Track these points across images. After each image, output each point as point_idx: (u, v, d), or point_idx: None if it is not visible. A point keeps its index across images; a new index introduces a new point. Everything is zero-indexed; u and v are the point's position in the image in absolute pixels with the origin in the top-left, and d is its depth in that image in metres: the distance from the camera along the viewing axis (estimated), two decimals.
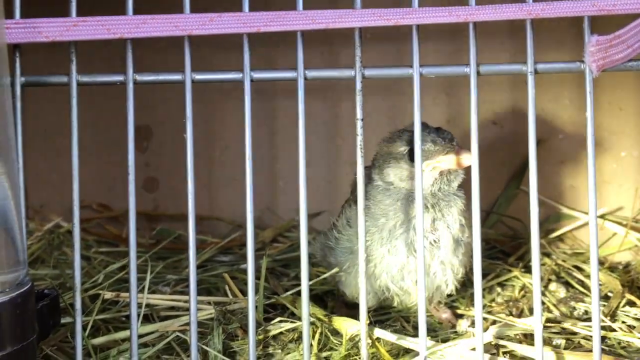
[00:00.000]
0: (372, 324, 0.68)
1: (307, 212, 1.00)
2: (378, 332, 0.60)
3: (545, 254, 0.90)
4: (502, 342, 0.61)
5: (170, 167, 1.00)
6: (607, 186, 0.95)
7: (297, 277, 0.84)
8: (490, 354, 0.60)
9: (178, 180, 1.00)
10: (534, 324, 0.55)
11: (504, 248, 0.93)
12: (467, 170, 0.68)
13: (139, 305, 0.71)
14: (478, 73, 0.56)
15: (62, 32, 0.56)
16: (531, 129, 0.57)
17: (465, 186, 0.70)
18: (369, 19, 0.56)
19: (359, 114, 0.57)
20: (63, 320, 0.65)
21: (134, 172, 0.58)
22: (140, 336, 0.64)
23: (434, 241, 0.65)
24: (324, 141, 0.98)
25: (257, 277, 0.82)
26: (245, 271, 0.82)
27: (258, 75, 0.58)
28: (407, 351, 0.62)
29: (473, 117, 0.57)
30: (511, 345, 0.61)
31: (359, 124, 0.58)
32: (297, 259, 0.90)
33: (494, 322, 0.71)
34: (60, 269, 0.78)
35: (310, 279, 0.80)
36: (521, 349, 0.60)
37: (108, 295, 0.68)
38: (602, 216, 0.93)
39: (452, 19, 0.55)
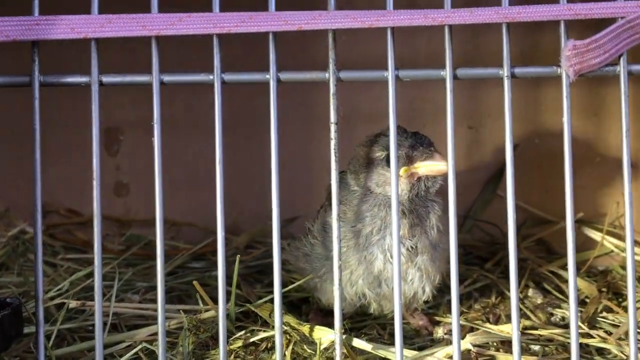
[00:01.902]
0: (348, 332, 0.66)
1: (283, 217, 1.00)
2: (355, 341, 0.59)
3: (522, 259, 0.90)
4: (480, 350, 0.60)
5: (142, 170, 0.97)
6: (583, 191, 0.94)
7: (272, 284, 0.82)
8: None
9: (150, 185, 0.98)
10: (512, 331, 0.54)
11: (480, 253, 0.92)
12: (445, 176, 0.67)
13: (106, 314, 0.69)
14: (455, 77, 0.55)
15: (23, 31, 0.54)
16: (508, 134, 0.56)
17: (441, 192, 0.69)
18: (343, 20, 0.54)
19: (332, 117, 0.56)
20: (26, 330, 0.62)
21: (99, 176, 0.56)
22: (106, 346, 0.62)
23: (412, 247, 0.64)
24: (300, 144, 0.96)
25: (230, 284, 0.80)
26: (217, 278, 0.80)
27: (229, 77, 0.56)
28: None
29: (449, 121, 0.55)
30: (489, 353, 0.60)
31: (333, 127, 0.56)
32: (272, 265, 0.89)
33: (471, 329, 0.70)
34: (24, 276, 0.76)
35: (284, 286, 0.79)
36: (499, 357, 0.59)
37: (73, 304, 0.66)
38: (578, 221, 0.92)
39: (427, 22, 0.54)
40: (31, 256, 0.84)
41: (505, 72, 0.55)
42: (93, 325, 0.68)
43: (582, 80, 0.93)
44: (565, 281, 0.84)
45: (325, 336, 0.59)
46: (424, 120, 0.94)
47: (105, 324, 0.67)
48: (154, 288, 0.79)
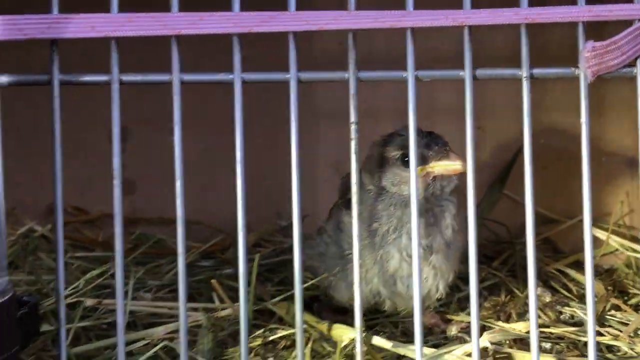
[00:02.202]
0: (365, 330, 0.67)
1: (289, 217, 1.00)
2: (375, 339, 0.59)
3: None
4: (497, 348, 0.61)
5: (148, 169, 0.97)
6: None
7: (282, 282, 0.83)
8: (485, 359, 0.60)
9: (156, 183, 0.98)
10: (531, 329, 0.55)
11: (486, 252, 0.92)
12: (460, 176, 0.67)
13: (130, 312, 0.69)
14: (474, 77, 0.56)
15: (43, 29, 0.54)
16: (526, 135, 0.56)
17: (454, 191, 0.69)
18: (364, 21, 0.55)
19: (353, 117, 0.56)
20: (42, 329, 0.62)
21: (120, 175, 0.57)
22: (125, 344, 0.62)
23: (427, 246, 0.65)
24: (305, 143, 0.96)
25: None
26: (230, 276, 0.81)
27: (249, 76, 0.56)
28: (400, 357, 0.61)
29: (469, 122, 0.56)
30: (507, 351, 0.61)
31: (353, 127, 0.56)
32: (281, 264, 0.89)
33: (483, 327, 0.70)
34: (37, 274, 0.75)
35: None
36: (516, 355, 0.60)
37: (89, 302, 0.66)
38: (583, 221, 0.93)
39: (448, 23, 0.55)
40: (41, 254, 0.83)
41: (524, 72, 0.56)
42: (108, 323, 0.69)
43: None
44: (573, 279, 0.85)
45: (345, 334, 0.59)
46: (432, 119, 0.94)
47: (127, 323, 0.68)
48: (165, 286, 0.80)
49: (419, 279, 0.55)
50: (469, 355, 0.58)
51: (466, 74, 0.56)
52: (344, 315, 0.73)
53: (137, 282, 0.78)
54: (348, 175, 0.74)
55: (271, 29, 0.55)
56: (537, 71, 0.56)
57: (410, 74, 0.56)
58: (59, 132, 0.56)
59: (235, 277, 0.83)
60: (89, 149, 0.97)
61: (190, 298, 0.78)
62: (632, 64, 0.56)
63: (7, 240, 0.88)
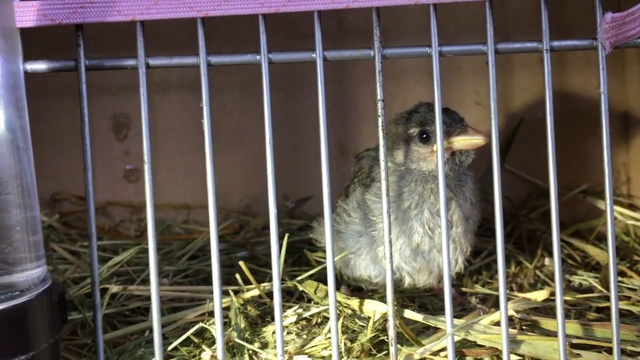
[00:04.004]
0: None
1: (296, 198, 1.00)
2: (406, 312, 0.60)
3: (532, 230, 0.93)
4: (523, 316, 0.62)
5: (153, 156, 0.96)
6: (586, 162, 0.98)
7: (295, 264, 0.83)
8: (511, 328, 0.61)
9: (159, 169, 0.98)
10: (556, 296, 0.56)
11: (491, 226, 0.94)
12: (476, 150, 0.69)
13: (146, 298, 0.69)
14: (496, 52, 0.57)
15: (68, 14, 0.53)
16: (548, 108, 0.58)
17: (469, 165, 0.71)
18: None
19: (379, 94, 0.57)
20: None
21: (149, 161, 0.56)
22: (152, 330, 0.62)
23: (447, 220, 0.66)
24: (311, 125, 0.97)
25: (259, 264, 0.81)
26: (245, 259, 0.81)
27: (276, 57, 0.56)
28: (424, 329, 0.62)
29: (492, 94, 0.57)
30: (533, 318, 0.62)
31: (380, 105, 0.57)
32: (290, 246, 0.90)
33: (497, 298, 0.72)
34: (52, 264, 0.75)
35: (308, 266, 0.80)
36: (542, 322, 0.61)
37: (115, 289, 0.66)
38: (584, 191, 0.96)
39: None
40: (51, 245, 0.82)
41: (544, 45, 0.57)
42: (130, 310, 0.69)
43: (581, 54, 0.97)
44: (576, 249, 0.87)
45: (377, 308, 0.60)
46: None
47: (147, 308, 0.68)
48: (181, 271, 0.80)
49: (447, 251, 0.56)
50: (497, 324, 0.60)
51: (489, 48, 0.57)
52: (359, 292, 0.74)
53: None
54: (361, 154, 0.75)
55: (297, 8, 0.55)
56: (556, 44, 0.57)
57: (434, 50, 0.57)
58: (87, 118, 0.55)
59: (249, 259, 0.84)
60: (91, 138, 0.96)
61: (204, 282, 0.79)
62: None
63: None
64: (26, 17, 0.52)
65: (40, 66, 0.55)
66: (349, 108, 0.96)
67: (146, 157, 0.56)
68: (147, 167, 0.56)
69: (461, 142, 0.65)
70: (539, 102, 0.98)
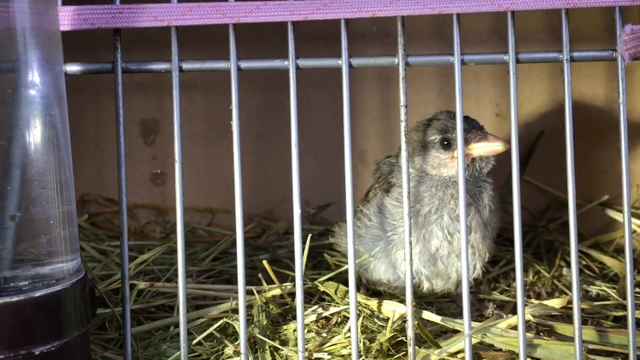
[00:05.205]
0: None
1: (316, 204, 1.02)
2: (425, 314, 0.62)
3: (550, 241, 0.93)
4: (540, 321, 0.63)
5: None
6: (605, 175, 0.98)
7: (315, 267, 0.85)
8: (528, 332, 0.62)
9: (184, 173, 1.00)
10: (574, 303, 0.57)
11: (510, 236, 0.95)
12: (496, 157, 0.70)
13: (172, 295, 0.71)
14: (517, 61, 0.58)
15: (107, 19, 0.56)
16: (568, 117, 0.59)
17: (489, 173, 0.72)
18: (413, 7, 0.57)
19: (402, 100, 0.59)
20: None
21: (180, 160, 0.58)
22: (178, 325, 0.64)
23: (466, 226, 0.67)
24: (330, 133, 0.99)
25: (280, 267, 0.83)
26: (269, 261, 0.83)
27: (303, 62, 0.59)
28: (441, 333, 0.63)
29: (513, 103, 0.58)
30: (549, 323, 0.63)
31: (403, 110, 0.59)
32: (311, 250, 0.91)
33: (515, 306, 0.73)
34: (82, 261, 0.77)
35: (328, 269, 0.81)
36: (558, 327, 0.62)
37: (142, 285, 0.68)
38: (602, 204, 0.97)
39: (492, 8, 0.57)
40: (80, 243, 0.85)
41: (565, 55, 0.58)
42: (155, 306, 0.71)
43: (598, 66, 0.98)
44: (595, 260, 0.88)
45: (397, 309, 0.62)
46: (452, 107, 0.97)
47: (171, 306, 0.70)
48: (204, 272, 0.82)
49: (466, 255, 0.58)
50: (514, 328, 0.61)
51: (510, 57, 0.58)
52: (378, 296, 0.75)
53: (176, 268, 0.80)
54: (382, 161, 0.77)
55: (325, 16, 0.57)
56: (576, 54, 0.59)
57: (456, 58, 0.58)
58: (122, 119, 0.58)
59: (271, 262, 0.85)
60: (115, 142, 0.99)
61: (228, 282, 0.81)
62: None
63: None
64: (68, 21, 0.55)
65: (76, 68, 0.57)
66: (366, 117, 0.98)
67: (177, 156, 0.58)
68: (177, 166, 0.59)
69: (481, 148, 0.67)
70: (559, 113, 0.99)
